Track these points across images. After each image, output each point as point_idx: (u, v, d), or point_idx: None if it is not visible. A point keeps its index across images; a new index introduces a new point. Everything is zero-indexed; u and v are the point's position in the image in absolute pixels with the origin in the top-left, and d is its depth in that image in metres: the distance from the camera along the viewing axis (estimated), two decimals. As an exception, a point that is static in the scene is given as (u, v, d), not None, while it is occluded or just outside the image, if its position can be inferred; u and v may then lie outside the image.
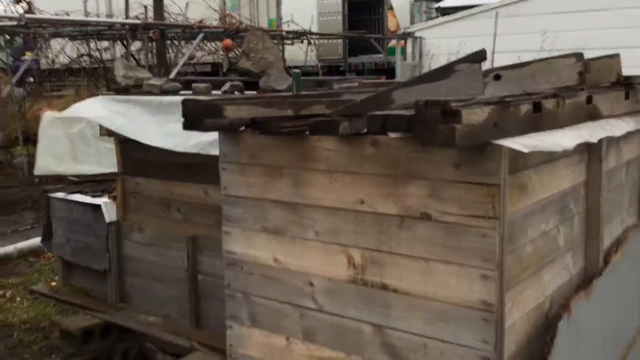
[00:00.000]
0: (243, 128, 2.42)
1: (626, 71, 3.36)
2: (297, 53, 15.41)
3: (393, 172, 2.11)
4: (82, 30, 10.74)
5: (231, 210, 2.56)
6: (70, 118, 4.51)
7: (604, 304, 2.72)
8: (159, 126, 3.92)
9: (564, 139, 2.15)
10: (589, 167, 2.71)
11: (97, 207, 4.67)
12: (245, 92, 4.00)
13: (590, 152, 2.69)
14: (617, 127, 2.64)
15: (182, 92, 4.16)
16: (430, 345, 2.11)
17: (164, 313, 4.14)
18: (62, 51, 12.99)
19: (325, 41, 18.22)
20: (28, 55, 14.94)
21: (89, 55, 12.87)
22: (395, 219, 2.13)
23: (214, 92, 4.08)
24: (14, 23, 8.12)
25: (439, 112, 1.74)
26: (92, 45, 13.20)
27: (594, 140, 2.36)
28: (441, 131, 1.73)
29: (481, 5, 9.52)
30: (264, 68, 4.18)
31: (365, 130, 2.07)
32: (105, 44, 14.06)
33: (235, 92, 3.96)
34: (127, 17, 11.62)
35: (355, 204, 2.22)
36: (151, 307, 4.23)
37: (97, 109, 4.13)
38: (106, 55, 14.39)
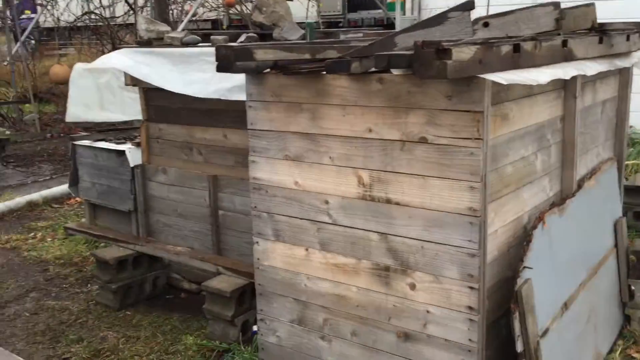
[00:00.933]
0: (268, 70, 2.83)
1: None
2: (298, 9, 15.58)
3: (396, 104, 2.53)
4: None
5: (257, 142, 2.98)
6: (98, 69, 4.88)
7: (576, 222, 3.16)
8: (181, 75, 4.29)
9: (540, 75, 2.55)
10: (565, 103, 3.12)
11: (121, 153, 5.08)
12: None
13: (566, 89, 3.10)
14: (590, 67, 3.04)
15: (200, 44, 4.52)
16: (427, 248, 2.56)
17: (188, 246, 4.59)
18: (67, 9, 13.21)
19: (326, -4, 18.30)
20: (27, 14, 15.07)
21: (93, 12, 13.08)
22: (397, 144, 2.55)
23: (231, 43, 4.43)
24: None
25: (434, 50, 2.14)
26: (96, 2, 13.41)
27: (567, 77, 2.76)
28: (436, 66, 2.14)
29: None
30: (275, 21, 4.52)
31: (373, 68, 2.47)
32: (106, 1, 14.25)
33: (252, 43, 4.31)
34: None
35: (364, 132, 2.64)
36: (176, 241, 4.69)
37: (123, 60, 4.50)
38: (117, 13, 14.56)
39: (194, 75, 4.19)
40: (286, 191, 2.92)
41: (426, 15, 9.29)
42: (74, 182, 5.69)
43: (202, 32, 4.99)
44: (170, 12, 13.64)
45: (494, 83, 2.30)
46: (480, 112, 2.33)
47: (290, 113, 2.84)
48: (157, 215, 4.87)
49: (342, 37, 4.19)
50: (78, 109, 5.02)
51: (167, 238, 4.78)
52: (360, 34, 4.26)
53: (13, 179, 8.28)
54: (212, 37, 4.39)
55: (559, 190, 3.20)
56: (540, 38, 2.67)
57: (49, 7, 12.69)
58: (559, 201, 3.10)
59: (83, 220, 5.92)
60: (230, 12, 15.16)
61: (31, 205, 6.86)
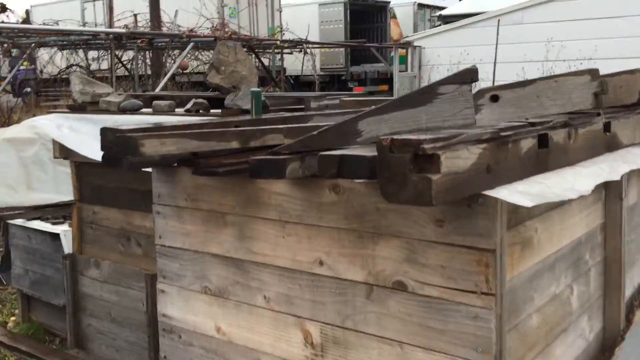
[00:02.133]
0: (175, 164, 1.95)
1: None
2: (294, 62, 15.02)
3: (358, 226, 1.63)
4: (67, 40, 10.33)
5: (167, 264, 2.08)
6: (23, 140, 4.05)
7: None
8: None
9: (580, 180, 1.67)
10: (607, 206, 2.22)
11: (56, 236, 4.23)
12: (211, 110, 3.53)
13: (607, 188, 2.21)
14: (642, 158, 2.16)
15: (142, 110, 3.71)
16: None
17: (123, 360, 3.67)
18: (51, 61, 12.60)
19: (327, 50, 17.91)
20: (25, 66, 14.50)
21: (78, 65, 12.47)
22: (362, 288, 1.65)
23: (177, 109, 3.63)
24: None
25: (410, 155, 1.26)
26: (83, 55, 12.83)
27: (617, 177, 1.88)
28: (413, 183, 1.25)
29: (484, 12, 9.05)
30: (235, 83, 3.71)
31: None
32: (96, 53, 13.68)
33: (200, 111, 3.49)
34: (111, 25, 11.22)
35: (312, 265, 1.73)
36: (110, 353, 3.76)
37: (49, 126, 3.69)
38: (103, 65, 14.00)
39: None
40: (206, 340, 2.01)
41: (426, 72, 8.52)
42: (6, 268, 4.83)
43: (151, 95, 4.18)
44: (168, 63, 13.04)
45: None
46: (490, 251, 1.43)
47: (210, 226, 1.95)
48: (89, 319, 3.94)
49: (312, 104, 3.33)
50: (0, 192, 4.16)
51: (100, 348, 3.84)
52: (337, 101, 3.40)
53: (-36, 250, 7.38)
54: (154, 102, 3.57)
55: (601, 328, 2.27)
56: (575, 122, 1.80)
57: (31, 60, 12.08)
58: (603, 351, 2.16)
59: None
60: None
61: (-31, 287, 5.93)
